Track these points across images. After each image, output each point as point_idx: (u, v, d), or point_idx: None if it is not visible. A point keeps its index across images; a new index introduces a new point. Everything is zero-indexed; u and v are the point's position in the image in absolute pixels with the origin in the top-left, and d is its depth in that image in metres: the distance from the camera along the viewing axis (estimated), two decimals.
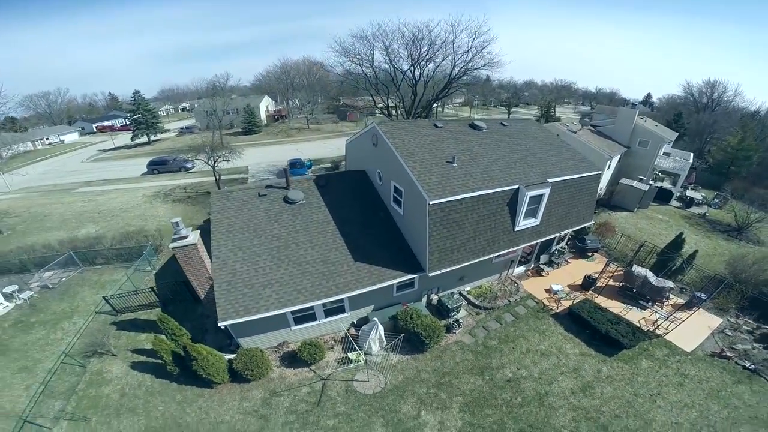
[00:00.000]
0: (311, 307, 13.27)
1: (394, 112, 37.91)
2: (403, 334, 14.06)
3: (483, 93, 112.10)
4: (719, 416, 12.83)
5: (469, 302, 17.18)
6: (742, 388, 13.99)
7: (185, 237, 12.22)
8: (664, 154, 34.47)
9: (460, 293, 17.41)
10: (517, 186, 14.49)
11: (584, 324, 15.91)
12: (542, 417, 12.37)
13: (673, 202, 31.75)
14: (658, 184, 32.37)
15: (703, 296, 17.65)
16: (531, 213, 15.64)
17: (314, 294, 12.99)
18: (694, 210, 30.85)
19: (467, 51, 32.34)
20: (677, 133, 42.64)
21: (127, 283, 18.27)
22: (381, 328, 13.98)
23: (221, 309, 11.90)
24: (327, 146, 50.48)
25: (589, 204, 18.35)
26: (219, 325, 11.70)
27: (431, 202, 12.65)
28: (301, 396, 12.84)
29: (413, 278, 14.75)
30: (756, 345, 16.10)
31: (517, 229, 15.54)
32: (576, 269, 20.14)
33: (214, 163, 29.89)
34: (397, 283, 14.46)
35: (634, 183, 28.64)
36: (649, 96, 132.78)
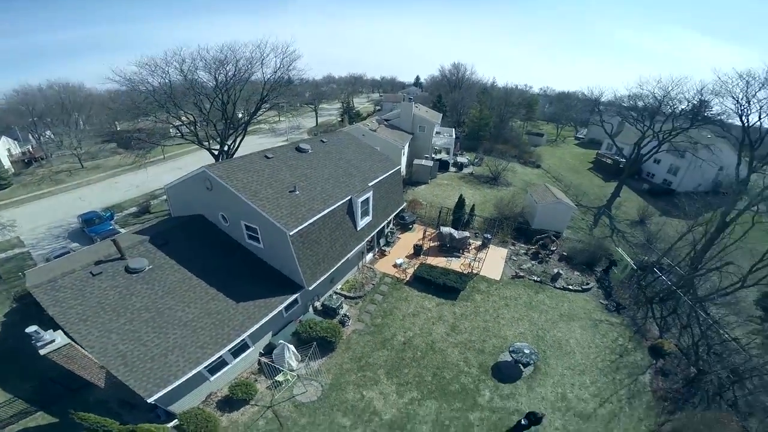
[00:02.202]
0: (220, 356, 13.51)
1: (201, 132, 35.09)
2: (314, 342, 15.69)
3: (288, 95, 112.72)
4: (542, 320, 19.14)
5: (346, 297, 19.67)
6: (541, 297, 20.90)
7: (53, 341, 10.85)
8: (437, 133, 44.94)
9: (335, 293, 19.79)
10: (350, 197, 17.69)
11: (428, 282, 20.71)
12: (441, 359, 16.41)
13: (452, 169, 42.33)
14: (438, 157, 42.37)
15: (489, 236, 25.37)
16: (365, 213, 19.26)
17: (217, 344, 13.24)
18: (465, 171, 42.12)
19: (277, 70, 33.10)
20: (441, 113, 55.50)
21: None
22: (291, 347, 15.32)
23: (139, 388, 11.28)
24: (120, 186, 42.24)
25: (398, 191, 23.50)
26: (149, 401, 11.30)
27: (291, 233, 14.39)
28: (263, 428, 13.32)
29: (296, 296, 16.26)
30: (533, 262, 23.99)
31: (359, 228, 18.90)
32: (406, 242, 25.32)
33: None
34: (285, 306, 15.81)
35: (423, 161, 36.90)
36: (418, 78, 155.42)
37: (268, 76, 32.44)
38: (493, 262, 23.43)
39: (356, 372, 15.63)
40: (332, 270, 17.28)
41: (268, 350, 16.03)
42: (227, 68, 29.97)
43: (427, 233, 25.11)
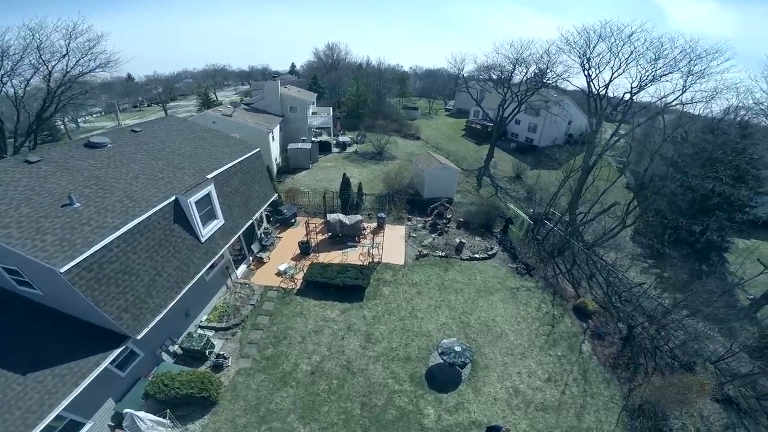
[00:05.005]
0: None
1: None
2: (167, 409, 11.03)
3: (127, 93, 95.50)
4: (460, 302, 16.58)
5: (216, 330, 14.61)
6: (452, 273, 18.37)
7: None
8: (312, 113, 40.56)
9: (199, 327, 14.56)
10: (174, 196, 12.33)
11: (324, 286, 16.61)
12: (364, 382, 12.71)
13: (334, 149, 38.60)
14: (317, 139, 38.22)
15: (383, 215, 22.31)
16: (208, 215, 13.98)
17: None
18: (349, 150, 38.83)
19: (64, 55, 27.08)
20: (317, 93, 51.09)
21: None
22: (144, 414, 10.59)
23: None
24: None
25: (264, 181, 18.65)
26: None
27: (63, 270, 8.80)
28: None
29: (125, 348, 10.85)
30: (433, 235, 21.63)
31: (204, 239, 13.69)
32: (289, 240, 20.77)
33: None
34: (108, 365, 10.37)
35: (299, 145, 32.23)
36: (293, 65, 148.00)
37: (55, 64, 25.55)
38: (392, 243, 20.70)
39: (257, 426, 11.37)
40: (170, 306, 11.97)
41: (119, 421, 10.97)
42: None
43: (312, 225, 21.07)
